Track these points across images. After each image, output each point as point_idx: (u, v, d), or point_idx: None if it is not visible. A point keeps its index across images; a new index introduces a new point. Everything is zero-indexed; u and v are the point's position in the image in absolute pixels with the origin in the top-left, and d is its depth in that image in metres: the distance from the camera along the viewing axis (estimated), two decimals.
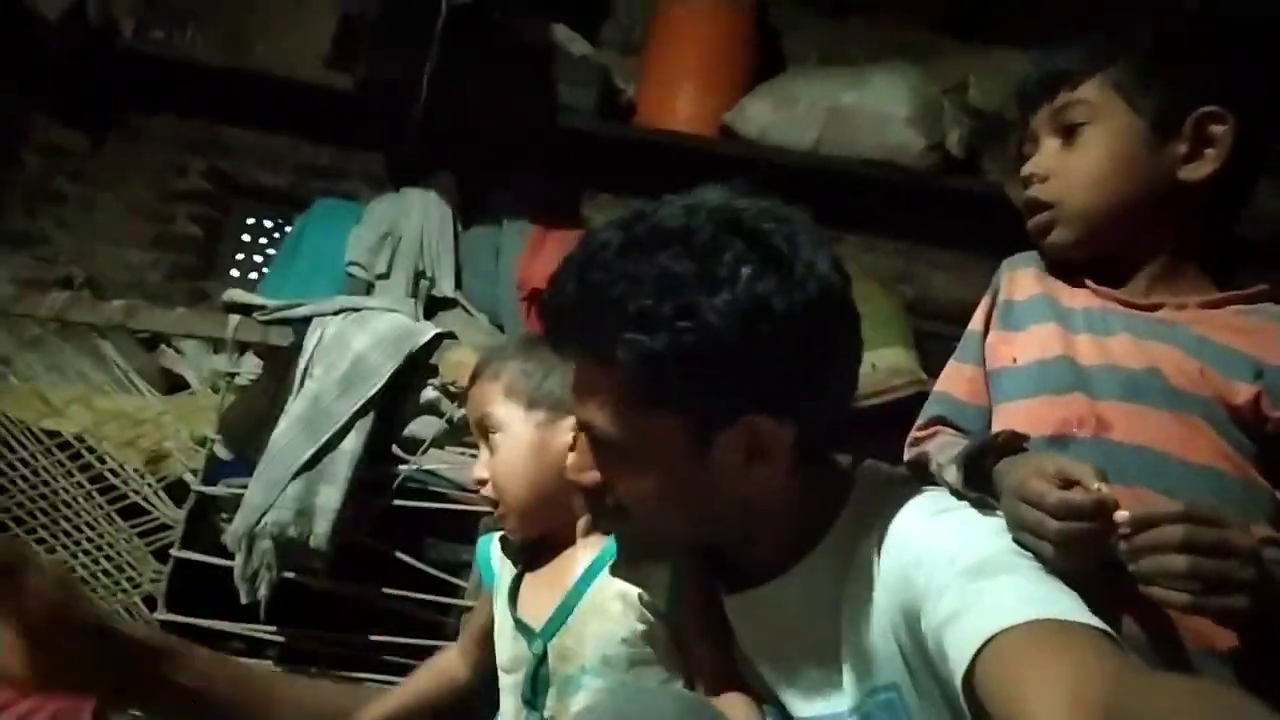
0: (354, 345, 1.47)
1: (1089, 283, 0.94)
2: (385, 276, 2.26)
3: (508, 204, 2.39)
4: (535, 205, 2.41)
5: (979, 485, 0.80)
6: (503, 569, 0.95)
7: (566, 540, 0.92)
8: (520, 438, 0.90)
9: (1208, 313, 0.89)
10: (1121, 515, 0.69)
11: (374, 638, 1.55)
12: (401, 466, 1.52)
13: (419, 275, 2.28)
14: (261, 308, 1.56)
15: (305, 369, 1.48)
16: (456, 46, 2.27)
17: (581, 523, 0.92)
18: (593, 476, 0.81)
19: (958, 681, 0.65)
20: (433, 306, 2.29)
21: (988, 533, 0.73)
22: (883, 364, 2.00)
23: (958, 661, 0.65)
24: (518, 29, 2.41)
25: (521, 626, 0.89)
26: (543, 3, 2.46)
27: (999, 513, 0.76)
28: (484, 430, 0.92)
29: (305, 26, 2.45)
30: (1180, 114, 0.88)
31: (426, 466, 1.54)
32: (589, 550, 0.90)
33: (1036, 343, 0.91)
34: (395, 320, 1.50)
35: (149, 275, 2.45)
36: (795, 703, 0.80)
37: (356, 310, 1.53)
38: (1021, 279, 0.97)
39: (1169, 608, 0.71)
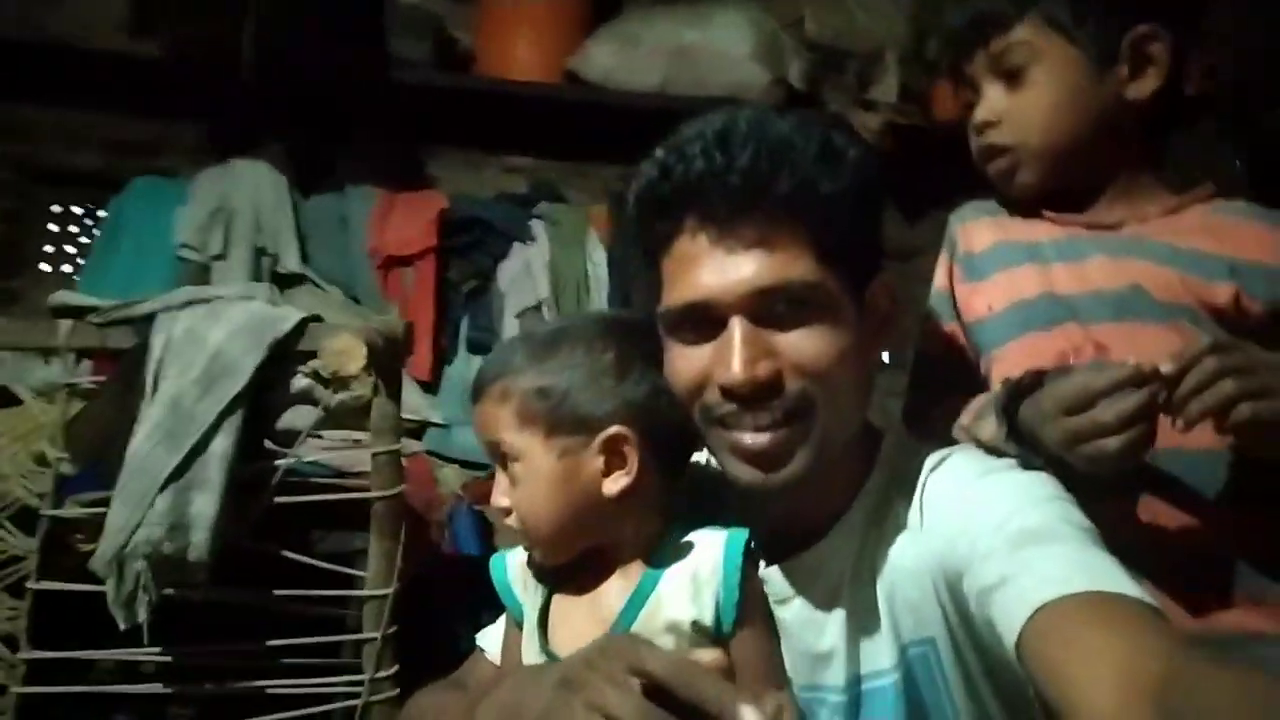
0: (210, 339, 1.36)
1: (1048, 215, 0.97)
2: (222, 257, 2.12)
3: (349, 168, 2.28)
4: (378, 168, 2.30)
5: (1016, 438, 0.81)
6: (525, 594, 0.83)
7: (603, 561, 0.80)
8: (542, 470, 0.78)
9: (1170, 221, 0.94)
10: (1166, 368, 0.73)
11: (272, 642, 1.47)
12: (279, 461, 1.44)
13: (259, 252, 2.14)
14: (95, 309, 1.42)
15: (157, 371, 1.36)
16: (274, 3, 2.11)
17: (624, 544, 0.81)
18: (767, 367, 0.73)
19: (1008, 648, 0.65)
20: (278, 284, 2.15)
21: (1038, 498, 0.73)
22: None
23: (1006, 630, 0.65)
24: None
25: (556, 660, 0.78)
26: None
27: (1043, 472, 0.76)
28: (498, 457, 0.81)
29: None
30: (1116, 39, 0.91)
31: (307, 458, 1.46)
32: (630, 578, 0.79)
33: (1010, 286, 0.94)
34: (252, 308, 1.40)
35: None
36: (838, 668, 0.78)
37: (207, 301, 1.41)
38: (975, 230, 0.99)
39: (1233, 433, 0.75)
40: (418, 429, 2.04)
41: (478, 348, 2.17)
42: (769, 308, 0.73)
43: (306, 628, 1.49)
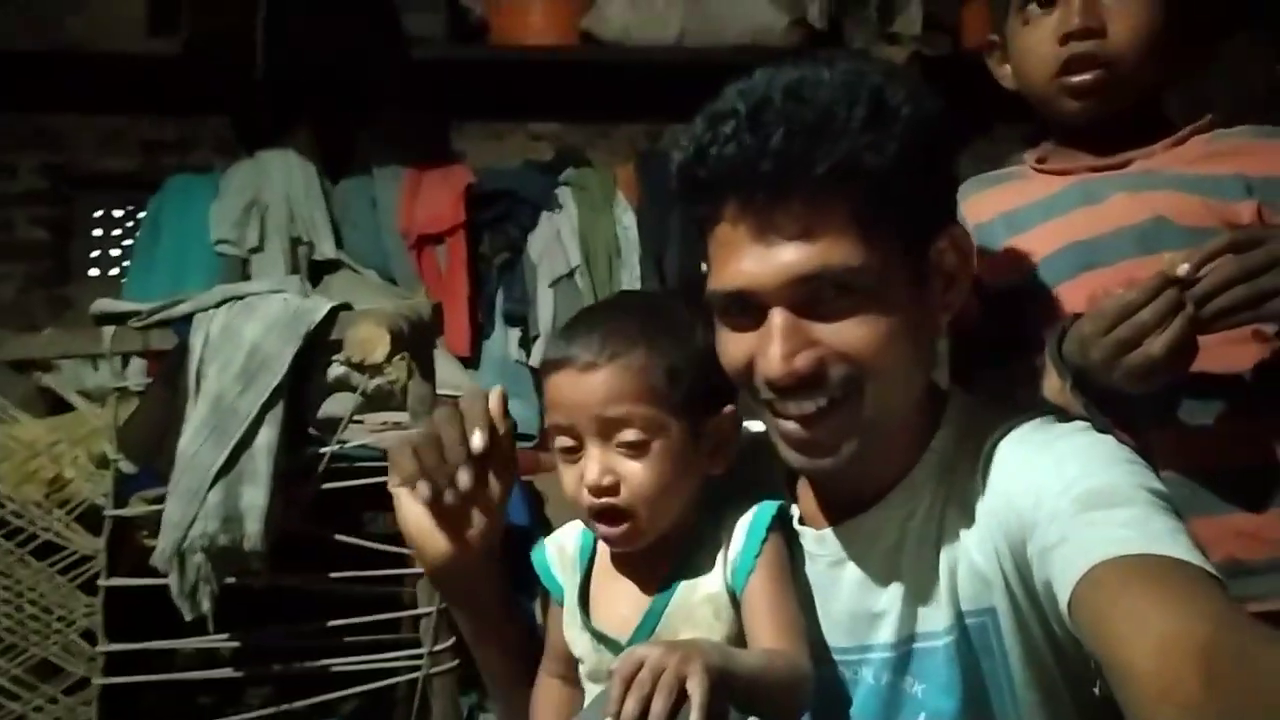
0: (246, 335, 1.40)
1: (1048, 165, 0.95)
2: (259, 249, 2.16)
3: (374, 150, 2.29)
4: (403, 146, 2.32)
5: (1080, 386, 0.81)
6: (564, 574, 0.83)
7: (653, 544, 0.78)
8: (675, 448, 0.75)
9: (1177, 151, 0.92)
10: (1182, 269, 0.74)
11: (332, 623, 1.52)
12: (323, 449, 1.47)
13: (295, 242, 2.18)
14: (135, 313, 1.46)
15: (198, 370, 1.40)
16: None
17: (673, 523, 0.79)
18: (807, 359, 0.72)
19: (1062, 606, 0.64)
20: (316, 271, 2.20)
21: (1107, 461, 0.71)
22: None
23: (1061, 587, 0.64)
24: None
25: (601, 638, 0.79)
26: None
27: (1111, 436, 0.75)
28: (609, 431, 0.76)
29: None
30: None
31: (352, 443, 1.49)
32: (669, 554, 0.78)
33: (1031, 249, 0.92)
34: (285, 301, 1.42)
35: (1, 292, 2.27)
36: (893, 627, 0.77)
37: (240, 298, 1.44)
38: (976, 204, 0.97)
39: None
40: None
41: (513, 320, 2.19)
42: (811, 295, 0.71)
43: (366, 606, 1.54)
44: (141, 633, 1.49)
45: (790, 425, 0.74)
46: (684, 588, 0.77)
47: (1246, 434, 0.86)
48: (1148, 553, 0.62)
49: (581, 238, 2.18)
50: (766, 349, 0.72)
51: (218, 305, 1.43)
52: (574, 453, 0.78)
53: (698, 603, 0.76)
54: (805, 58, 0.74)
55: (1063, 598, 0.64)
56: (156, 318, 1.43)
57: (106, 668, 1.45)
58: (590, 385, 0.76)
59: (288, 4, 2.10)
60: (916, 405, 0.78)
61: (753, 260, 0.71)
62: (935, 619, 0.76)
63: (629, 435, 0.75)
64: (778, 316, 0.72)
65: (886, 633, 0.78)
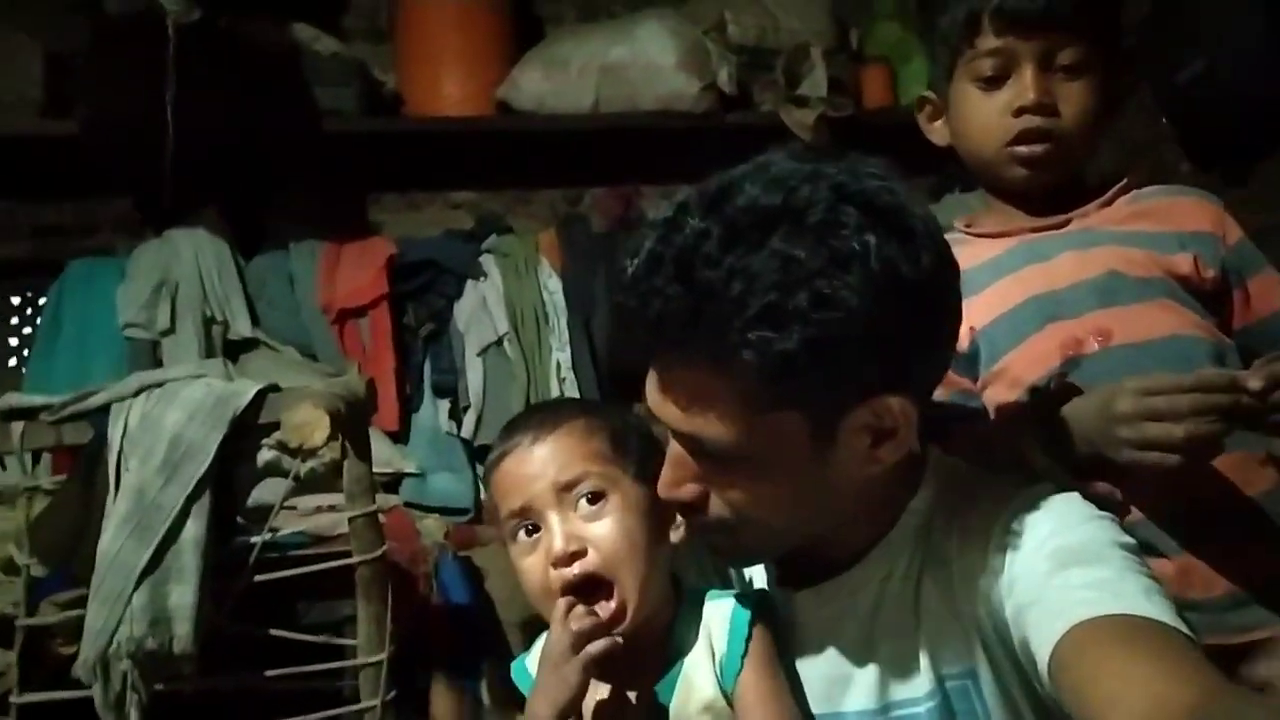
0: (167, 424, 1.33)
1: (985, 229, 0.99)
2: (170, 331, 2.08)
3: (290, 225, 2.24)
4: (320, 221, 2.27)
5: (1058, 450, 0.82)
6: None
7: (635, 643, 0.75)
8: (634, 502, 0.75)
9: (1107, 211, 0.98)
10: (1254, 383, 0.75)
11: None
12: (254, 539, 1.41)
13: (209, 321, 2.11)
14: (47, 407, 1.38)
15: (118, 463, 1.32)
16: (191, 68, 2.07)
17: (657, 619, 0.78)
18: (691, 491, 0.72)
19: (1042, 667, 0.63)
20: (231, 351, 2.12)
21: (1082, 519, 0.71)
22: None
23: (1039, 647, 0.63)
24: (255, 37, 2.22)
25: None
26: (273, 5, 2.28)
27: (1078, 493, 0.76)
28: (565, 495, 0.75)
29: (11, 76, 2.16)
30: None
31: (284, 531, 1.43)
32: (656, 662, 0.77)
33: (989, 304, 0.94)
34: (208, 386, 1.37)
35: None
36: (869, 693, 0.76)
37: (159, 385, 1.38)
38: None
39: None
40: (392, 481, 2.01)
41: (442, 391, 2.15)
42: (695, 448, 0.73)
43: (304, 703, 1.46)
44: None
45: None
46: (678, 700, 0.75)
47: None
48: (1124, 613, 0.62)
49: (508, 304, 2.17)
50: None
51: (135, 394, 1.36)
52: (534, 533, 0.77)
53: (695, 713, 0.75)
54: (746, 182, 0.68)
55: (1042, 659, 0.64)
56: (70, 410, 1.36)
57: None
58: (539, 456, 0.77)
59: (195, 81, 2.05)
60: (884, 478, 0.76)
61: (651, 395, 0.73)
62: (915, 685, 0.75)
63: (585, 488, 0.76)
64: (672, 444, 0.74)
65: (863, 699, 0.77)
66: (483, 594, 1.85)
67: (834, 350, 0.65)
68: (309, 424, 1.21)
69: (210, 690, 1.41)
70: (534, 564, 0.76)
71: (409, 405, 2.15)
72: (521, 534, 0.77)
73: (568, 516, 0.75)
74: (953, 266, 0.73)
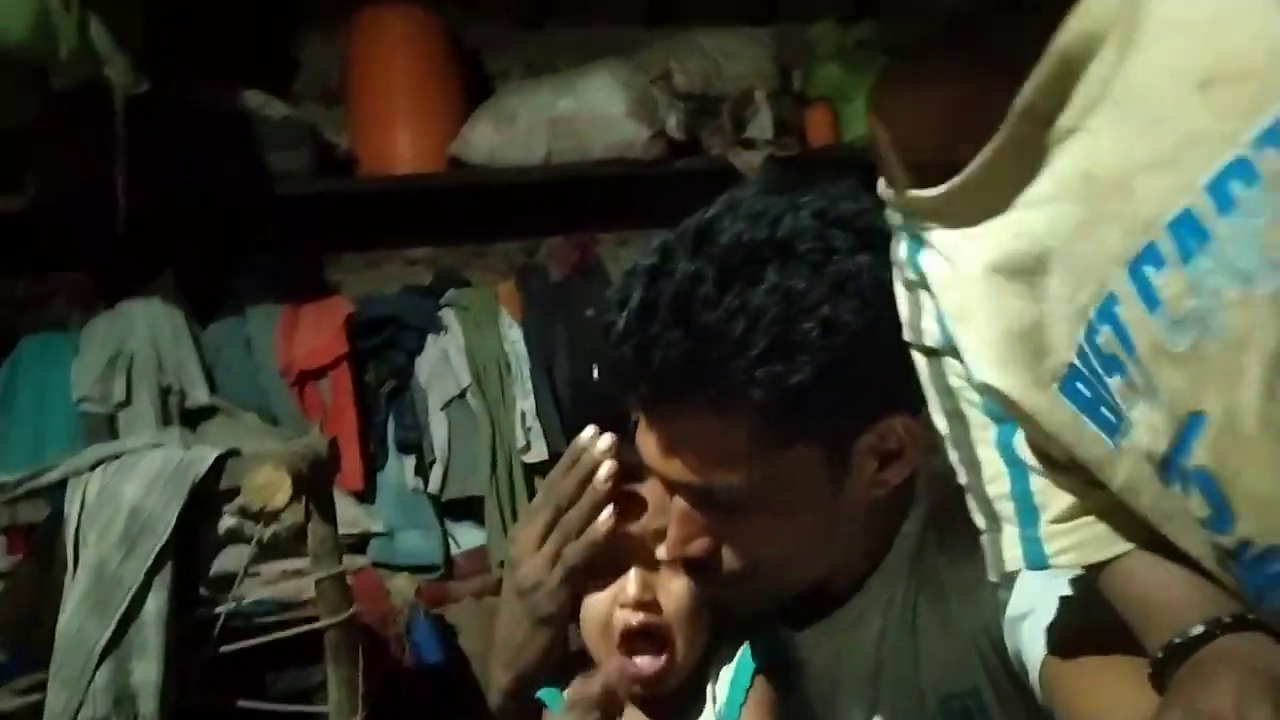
0: (126, 496, 1.31)
1: None
2: (126, 404, 2.05)
3: (247, 290, 2.23)
4: (276, 283, 2.27)
5: None
6: None
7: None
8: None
9: None
10: None
11: None
12: (219, 609, 1.38)
13: (165, 392, 2.08)
14: (2, 485, 1.36)
15: (76, 539, 1.30)
16: (141, 137, 2.07)
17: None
18: (701, 546, 0.71)
19: (1033, 678, 0.63)
20: (189, 420, 2.10)
21: None
22: None
23: (1031, 658, 0.63)
24: (204, 105, 2.23)
25: None
26: (222, 71, 2.30)
27: None
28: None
29: None
30: None
31: (249, 598, 1.41)
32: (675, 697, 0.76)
33: None
34: (165, 455, 1.35)
35: None
36: None
37: (117, 457, 1.36)
38: None
39: None
40: (359, 542, 1.99)
41: (406, 448, 2.14)
42: (702, 500, 0.72)
43: None
44: None
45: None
46: None
47: None
48: (1113, 622, 0.60)
49: (469, 357, 2.17)
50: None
51: (92, 468, 1.34)
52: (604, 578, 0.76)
53: None
54: (727, 218, 0.68)
55: (1033, 669, 0.64)
56: (26, 487, 1.34)
57: None
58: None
59: (145, 150, 2.05)
60: (879, 503, 0.76)
61: (651, 452, 0.71)
62: (917, 710, 0.75)
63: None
64: (676, 501, 0.72)
65: None
66: (456, 651, 1.83)
67: (842, 376, 0.65)
68: (270, 485, 1.19)
69: None
70: (602, 599, 0.76)
71: (373, 464, 2.14)
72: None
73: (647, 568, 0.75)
74: None
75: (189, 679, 1.34)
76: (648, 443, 0.71)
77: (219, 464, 1.37)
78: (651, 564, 0.75)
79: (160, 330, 2.08)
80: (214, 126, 2.22)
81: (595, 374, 2.08)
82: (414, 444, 2.13)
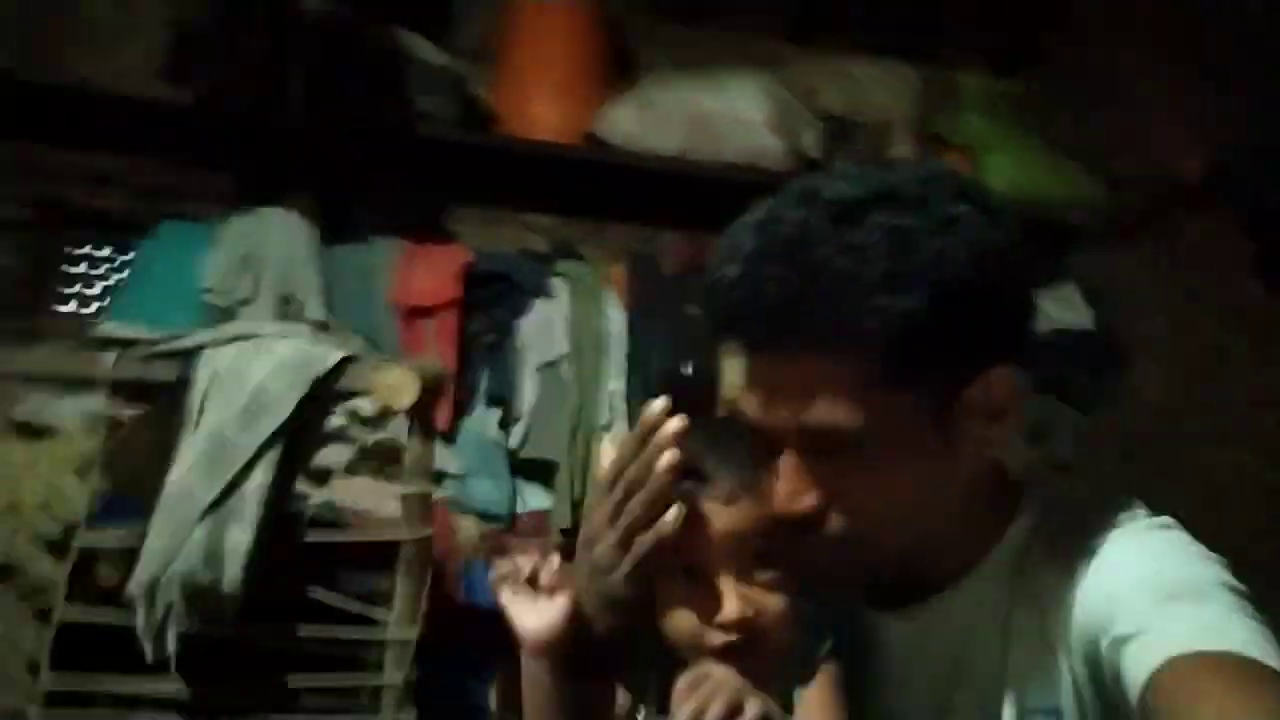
0: (253, 375, 1.39)
1: None
2: (248, 302, 2.14)
3: (373, 219, 2.31)
4: (400, 220, 2.34)
5: None
6: None
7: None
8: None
9: None
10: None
11: (292, 681, 1.45)
12: (311, 500, 1.45)
13: (285, 300, 2.16)
14: (139, 341, 1.44)
15: (201, 404, 1.38)
16: (306, 57, 2.17)
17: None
18: (811, 500, 0.71)
19: (1133, 698, 0.62)
20: None
21: (1190, 557, 0.71)
22: None
23: (1132, 681, 0.62)
24: (369, 37, 2.33)
25: None
26: (390, 11, 2.40)
27: (1185, 533, 0.74)
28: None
29: (133, 39, 2.27)
30: None
31: (338, 497, 1.47)
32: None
33: None
34: (297, 346, 1.42)
35: None
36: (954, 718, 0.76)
37: (251, 338, 1.43)
38: None
39: None
40: (435, 476, 2.04)
41: (494, 401, 2.19)
42: (813, 443, 0.71)
43: (324, 664, 1.48)
44: (85, 668, 1.40)
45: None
46: None
47: None
48: (1226, 651, 0.60)
49: (571, 328, 2.22)
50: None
51: (228, 342, 1.42)
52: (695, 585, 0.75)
53: None
54: (829, 180, 0.71)
55: (1133, 691, 0.63)
56: (165, 348, 1.42)
57: (46, 703, 1.36)
58: (729, 513, 0.74)
59: (310, 69, 2.15)
60: (982, 499, 0.76)
61: (755, 404, 0.72)
62: (996, 714, 0.74)
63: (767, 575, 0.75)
64: (785, 456, 0.72)
65: None
66: None
67: (951, 313, 0.66)
68: (398, 386, 1.25)
69: (239, 638, 1.43)
70: (690, 615, 0.76)
71: (460, 410, 2.19)
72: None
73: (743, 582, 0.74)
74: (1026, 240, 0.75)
75: (272, 556, 1.41)
76: (753, 396, 0.72)
77: (341, 365, 1.44)
78: (743, 570, 0.74)
79: (293, 242, 2.17)
80: (374, 59, 2.31)
81: (689, 370, 2.12)
82: (502, 399, 2.18)
